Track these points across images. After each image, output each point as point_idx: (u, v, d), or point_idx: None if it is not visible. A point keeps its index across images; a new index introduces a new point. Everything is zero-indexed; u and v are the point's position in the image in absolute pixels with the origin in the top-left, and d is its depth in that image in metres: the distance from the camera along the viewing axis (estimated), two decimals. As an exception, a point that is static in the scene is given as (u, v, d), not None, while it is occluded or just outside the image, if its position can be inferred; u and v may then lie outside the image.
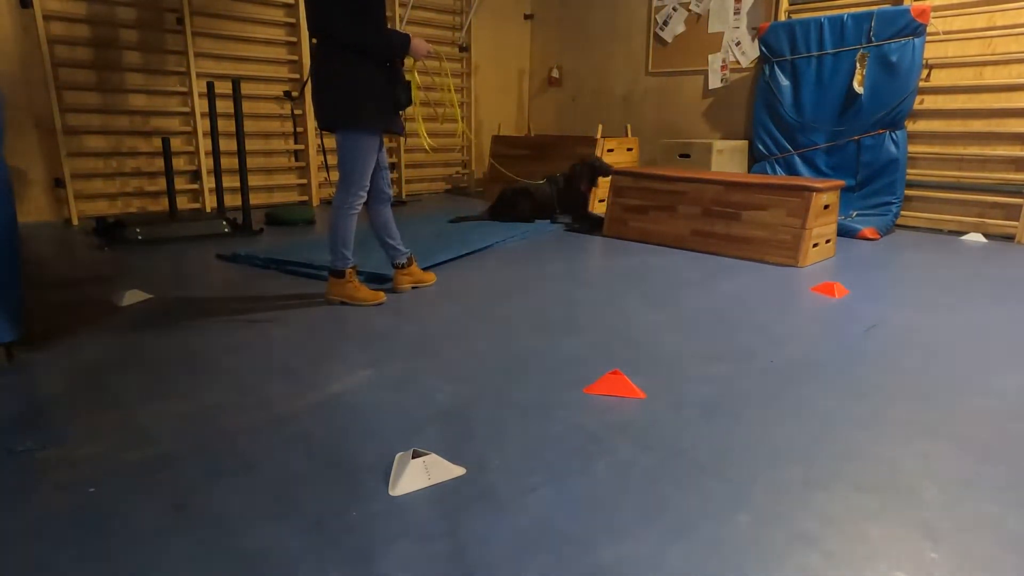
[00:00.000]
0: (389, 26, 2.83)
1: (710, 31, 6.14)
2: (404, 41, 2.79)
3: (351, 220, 2.91)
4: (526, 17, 7.71)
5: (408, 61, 2.94)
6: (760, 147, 5.68)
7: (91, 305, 2.96)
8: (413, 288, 3.26)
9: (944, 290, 3.37)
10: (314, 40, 2.80)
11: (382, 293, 3.06)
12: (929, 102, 4.99)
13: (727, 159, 5.64)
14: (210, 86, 4.62)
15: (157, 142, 5.20)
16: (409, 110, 3.01)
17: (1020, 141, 4.64)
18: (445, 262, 3.82)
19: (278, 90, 5.96)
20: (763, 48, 5.58)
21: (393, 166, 6.91)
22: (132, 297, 3.02)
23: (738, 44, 5.96)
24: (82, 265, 3.74)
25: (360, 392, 2.07)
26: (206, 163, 5.50)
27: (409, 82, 2.89)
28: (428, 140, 3.29)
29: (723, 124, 6.22)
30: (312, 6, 2.72)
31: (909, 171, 5.03)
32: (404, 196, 6.87)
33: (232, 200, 5.20)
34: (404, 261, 3.20)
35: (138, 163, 5.32)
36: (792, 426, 1.86)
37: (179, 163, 5.40)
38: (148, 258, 3.92)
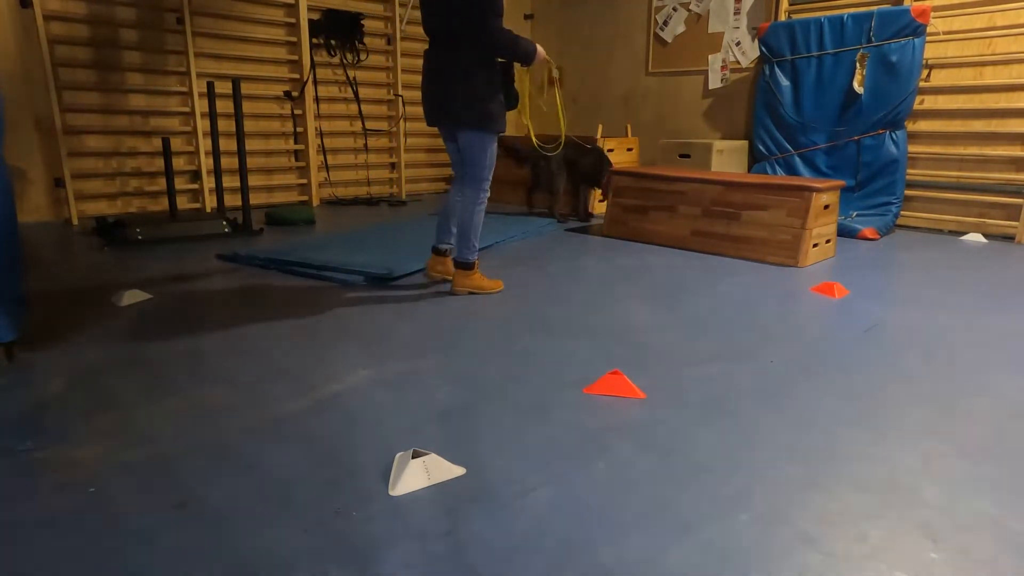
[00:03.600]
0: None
1: (710, 31, 6.14)
2: (533, 48, 2.96)
3: (482, 214, 3.10)
4: (526, 17, 7.70)
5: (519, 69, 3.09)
6: (760, 147, 5.68)
7: (91, 305, 2.96)
8: (443, 280, 3.36)
9: (944, 290, 3.37)
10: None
11: (500, 281, 3.25)
12: (929, 102, 4.99)
13: (727, 159, 5.64)
14: (210, 86, 4.61)
15: (157, 142, 5.20)
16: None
17: (1020, 141, 4.64)
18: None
19: (278, 90, 5.96)
20: (763, 48, 5.58)
21: (393, 166, 6.92)
22: (132, 297, 3.02)
23: (738, 44, 5.96)
24: (82, 265, 3.74)
25: (360, 392, 2.07)
26: (206, 163, 5.49)
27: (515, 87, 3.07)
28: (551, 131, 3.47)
29: (723, 124, 6.21)
30: (455, 10, 2.79)
31: (909, 171, 5.02)
32: (404, 196, 6.86)
33: (232, 200, 5.19)
34: (448, 249, 3.34)
35: (138, 163, 5.32)
36: (792, 426, 1.86)
37: (179, 163, 5.40)
38: (148, 258, 3.92)
